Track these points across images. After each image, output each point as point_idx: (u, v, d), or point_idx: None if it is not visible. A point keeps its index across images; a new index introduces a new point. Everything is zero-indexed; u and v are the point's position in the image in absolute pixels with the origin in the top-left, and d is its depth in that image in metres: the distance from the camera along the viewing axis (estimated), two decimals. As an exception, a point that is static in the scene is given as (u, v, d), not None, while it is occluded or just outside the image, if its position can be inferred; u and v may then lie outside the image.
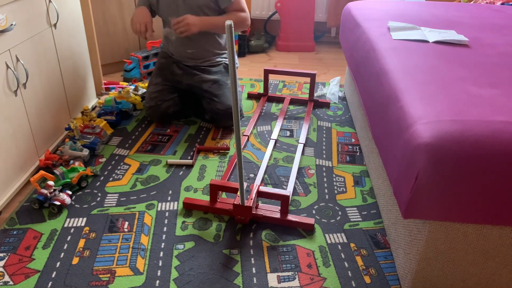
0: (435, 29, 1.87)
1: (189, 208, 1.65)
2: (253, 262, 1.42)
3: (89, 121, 2.13)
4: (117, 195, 1.72)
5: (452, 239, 1.18)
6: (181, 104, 2.25)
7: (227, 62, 2.27)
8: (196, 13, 2.06)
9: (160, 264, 1.40)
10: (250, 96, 2.60)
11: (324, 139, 2.15)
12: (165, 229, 1.55)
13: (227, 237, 1.52)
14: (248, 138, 2.14)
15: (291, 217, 1.57)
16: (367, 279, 1.37)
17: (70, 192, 1.67)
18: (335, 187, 1.79)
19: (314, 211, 1.65)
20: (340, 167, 1.93)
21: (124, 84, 2.67)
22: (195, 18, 2.01)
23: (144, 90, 2.49)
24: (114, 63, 2.92)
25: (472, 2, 2.97)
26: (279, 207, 1.61)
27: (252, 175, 1.86)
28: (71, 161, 1.83)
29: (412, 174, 1.08)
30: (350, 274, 1.38)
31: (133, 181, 1.80)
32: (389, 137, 1.29)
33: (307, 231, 1.56)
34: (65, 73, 2.08)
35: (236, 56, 2.46)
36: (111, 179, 1.81)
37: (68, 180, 1.70)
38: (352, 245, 1.50)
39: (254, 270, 1.39)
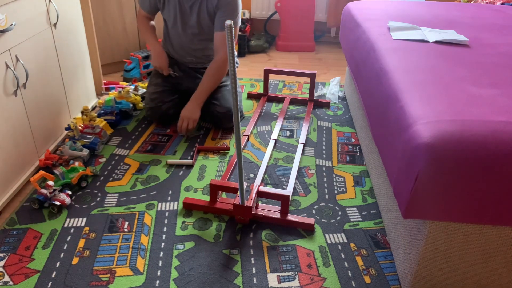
0: (435, 29, 1.87)
1: (189, 208, 1.65)
2: (253, 262, 1.42)
3: (89, 121, 2.13)
4: (117, 195, 1.71)
5: (452, 239, 1.18)
6: (181, 105, 2.25)
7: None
8: (195, 30, 2.08)
9: (160, 264, 1.40)
10: (250, 96, 2.60)
11: (324, 139, 2.15)
12: (165, 229, 1.55)
13: (227, 237, 1.52)
14: (248, 138, 2.14)
15: (291, 217, 1.57)
16: (367, 279, 1.37)
17: (70, 192, 1.67)
18: (335, 187, 1.79)
19: (314, 211, 1.65)
20: (340, 167, 1.93)
21: (124, 84, 2.67)
22: (191, 108, 2.07)
23: (144, 90, 2.49)
24: (114, 63, 2.92)
25: (472, 2, 2.97)
26: (279, 207, 1.61)
27: (252, 175, 1.86)
28: (71, 161, 1.83)
29: (412, 174, 1.08)
30: (350, 274, 1.38)
31: (133, 181, 1.80)
32: (389, 137, 1.29)
33: (307, 231, 1.56)
34: (65, 73, 2.08)
35: (236, 55, 2.46)
36: (111, 179, 1.81)
37: (68, 180, 1.70)
38: (352, 245, 1.50)
39: (254, 270, 1.39)
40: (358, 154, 2.03)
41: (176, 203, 1.68)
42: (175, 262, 1.41)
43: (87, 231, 1.53)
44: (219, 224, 1.58)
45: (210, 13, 2.04)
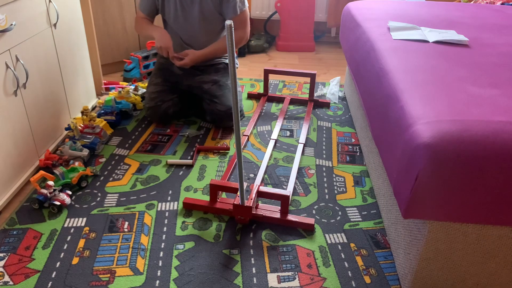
0: (435, 29, 1.87)
1: (189, 208, 1.65)
2: (253, 262, 1.42)
3: (89, 121, 2.13)
4: (117, 195, 1.72)
5: (452, 239, 1.18)
6: (181, 104, 2.25)
7: (226, 62, 2.27)
8: (199, 21, 2.07)
9: (160, 264, 1.40)
10: (250, 96, 2.60)
11: (324, 139, 2.15)
12: (165, 229, 1.55)
13: (227, 237, 1.52)
14: (248, 138, 2.14)
15: (291, 217, 1.57)
16: (367, 279, 1.37)
17: (70, 192, 1.67)
18: (335, 187, 1.79)
19: (314, 211, 1.65)
20: (340, 167, 1.93)
21: (124, 84, 2.67)
22: (195, 55, 2.08)
23: (144, 90, 2.49)
24: (114, 63, 2.92)
25: (472, 2, 2.97)
26: (279, 207, 1.61)
27: (252, 175, 1.86)
28: (71, 161, 1.83)
29: (412, 174, 1.08)
30: (350, 274, 1.38)
31: (133, 181, 1.80)
32: (389, 137, 1.29)
33: (307, 231, 1.56)
34: (65, 73, 2.08)
35: (236, 57, 2.46)
36: (111, 179, 1.81)
37: (68, 180, 1.70)
38: (352, 245, 1.50)
39: (254, 270, 1.39)
40: (358, 154, 2.03)
41: (176, 203, 1.68)
42: (175, 262, 1.41)
43: (87, 231, 1.53)
44: (219, 224, 1.58)
45: (214, 2, 2.05)
